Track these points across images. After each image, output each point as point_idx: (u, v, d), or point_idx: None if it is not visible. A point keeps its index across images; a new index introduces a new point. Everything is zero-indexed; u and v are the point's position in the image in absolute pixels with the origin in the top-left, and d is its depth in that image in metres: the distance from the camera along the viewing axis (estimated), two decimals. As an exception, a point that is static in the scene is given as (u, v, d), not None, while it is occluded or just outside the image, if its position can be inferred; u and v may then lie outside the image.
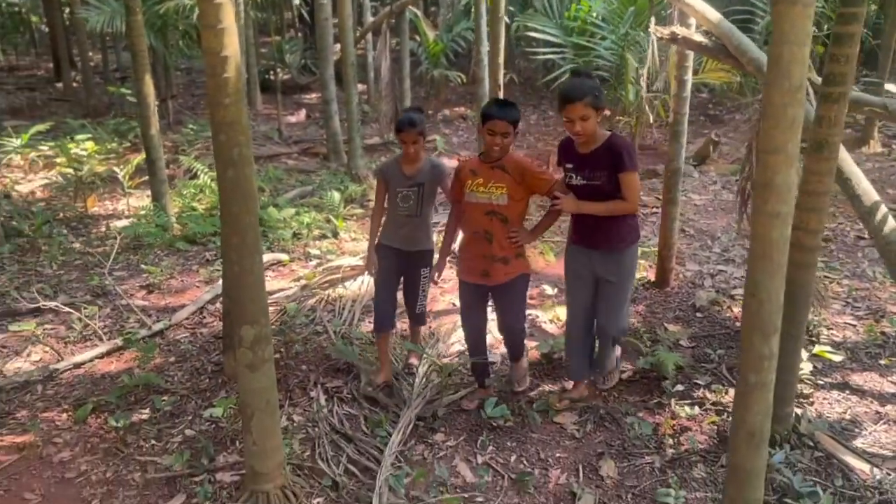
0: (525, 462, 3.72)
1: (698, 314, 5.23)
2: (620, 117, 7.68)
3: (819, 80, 3.48)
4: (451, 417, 4.07)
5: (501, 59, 5.76)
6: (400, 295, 4.45)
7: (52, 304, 5.20)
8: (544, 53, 9.03)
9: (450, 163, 4.22)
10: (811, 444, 3.67)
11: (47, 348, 4.80)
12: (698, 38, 4.64)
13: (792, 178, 2.41)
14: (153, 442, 3.85)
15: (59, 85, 15.91)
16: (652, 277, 5.82)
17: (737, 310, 5.18)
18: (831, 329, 4.93)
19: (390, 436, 3.77)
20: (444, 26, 12.69)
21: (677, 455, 3.72)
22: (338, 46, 10.15)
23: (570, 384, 4.27)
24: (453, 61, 12.91)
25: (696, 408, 4.02)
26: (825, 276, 5.77)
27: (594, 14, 8.58)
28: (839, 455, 3.62)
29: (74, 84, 15.25)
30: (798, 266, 3.48)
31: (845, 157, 3.95)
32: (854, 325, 5.02)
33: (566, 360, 4.21)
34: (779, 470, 3.43)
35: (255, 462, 3.29)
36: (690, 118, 11.76)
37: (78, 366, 4.59)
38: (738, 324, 4.89)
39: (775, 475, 3.42)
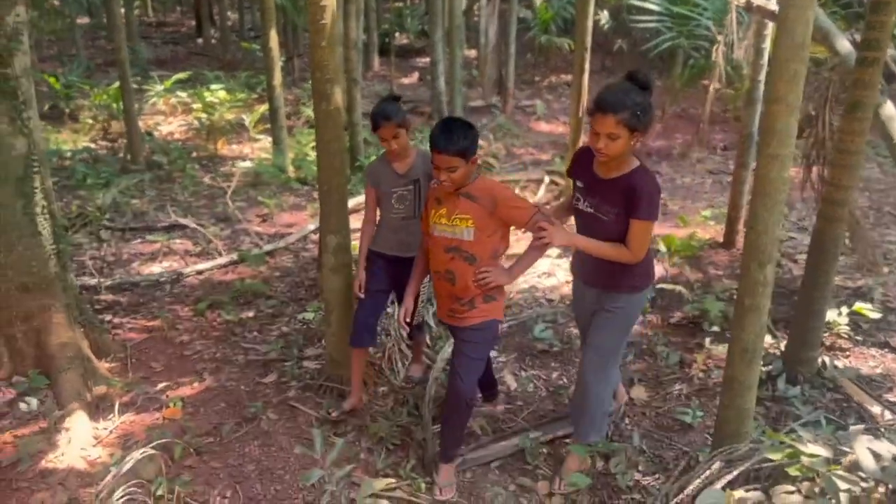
0: (565, 379, 4.22)
1: (758, 273, 5.47)
2: (717, 86, 7.80)
3: None
4: (506, 339, 4.61)
5: (590, 24, 6.11)
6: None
7: (184, 220, 6.12)
8: (646, 22, 9.19)
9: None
10: (832, 386, 3.96)
11: (176, 257, 5.71)
12: (773, 6, 4.85)
13: (792, 126, 2.75)
14: (255, 334, 4.63)
15: (200, 40, 17.33)
16: (720, 239, 6.09)
17: (797, 272, 5.39)
18: (888, 294, 5.08)
19: (450, 348, 4.36)
20: (556, -7, 12.95)
21: (704, 386, 4.11)
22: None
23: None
24: (563, 28, 13.15)
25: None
26: (898, 248, 5.85)
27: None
28: (858, 399, 3.90)
29: (213, 40, 16.59)
30: (829, 219, 3.77)
31: (893, 117, 4.13)
32: (914, 294, 5.14)
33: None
34: (792, 403, 3.77)
35: (334, 350, 3.98)
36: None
37: (199, 273, 5.47)
38: (794, 285, 5.12)
39: (791, 408, 3.77)
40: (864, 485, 2.06)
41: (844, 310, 4.46)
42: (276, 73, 7.78)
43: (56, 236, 4.00)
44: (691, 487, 2.64)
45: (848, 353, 4.39)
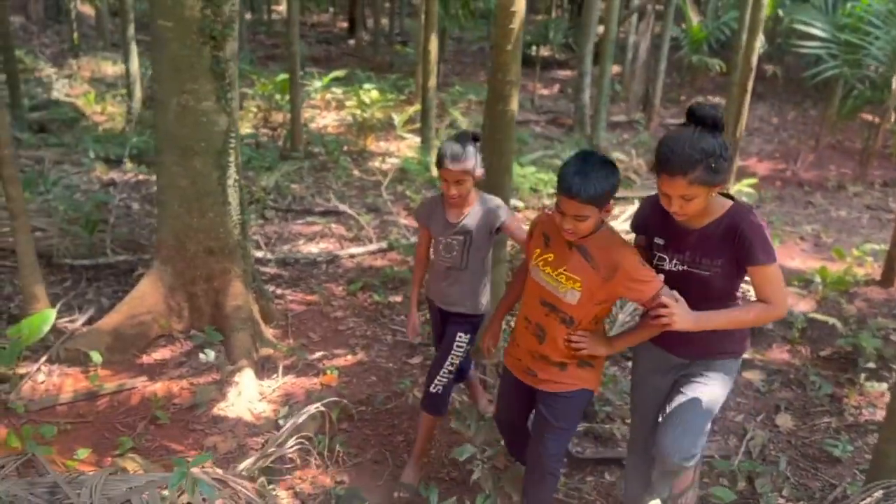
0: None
1: (918, 316, 5.21)
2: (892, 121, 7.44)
3: None
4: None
5: (757, 44, 6.02)
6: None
7: (343, 207, 6.52)
8: (811, 48, 8.88)
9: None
10: None
11: (332, 240, 6.10)
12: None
13: None
14: (402, 317, 4.88)
15: (351, 42, 18.16)
16: (877, 276, 5.82)
17: (963, 318, 5.08)
18: None
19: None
20: (712, 13, 12.69)
21: (855, 422, 3.98)
22: (601, 28, 10.73)
23: None
24: (715, 49, 12.87)
25: (885, 385, 4.19)
26: None
27: (870, 12, 8.29)
28: None
29: (363, 42, 17.36)
30: None
31: None
32: None
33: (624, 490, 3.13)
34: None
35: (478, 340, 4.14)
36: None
37: (352, 256, 5.81)
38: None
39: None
40: None
41: None
42: (433, 76, 8.10)
43: (242, 207, 4.39)
44: (849, 513, 2.61)
45: None
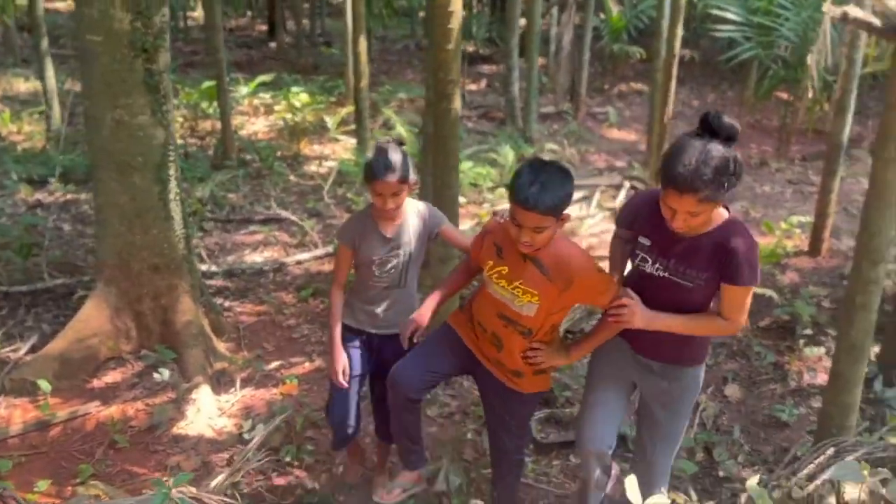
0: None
1: (845, 282, 5.50)
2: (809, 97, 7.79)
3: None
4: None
5: (679, 32, 6.24)
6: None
7: (285, 214, 6.45)
8: (725, 31, 9.24)
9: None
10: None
11: (276, 247, 6.02)
12: (870, 18, 4.90)
13: (910, 131, 2.87)
14: (357, 321, 4.87)
15: (273, 45, 17.89)
16: (805, 247, 6.13)
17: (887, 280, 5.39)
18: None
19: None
20: (629, 2, 13.03)
21: (798, 387, 4.20)
22: (523, 20, 10.89)
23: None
24: (634, 38, 13.22)
25: (822, 349, 4.43)
26: None
27: (780, -6, 8.70)
28: (957, 405, 3.94)
29: (285, 45, 17.13)
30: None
31: None
32: None
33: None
34: (889, 405, 3.85)
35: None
36: None
37: (299, 263, 5.76)
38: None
39: (888, 410, 3.85)
40: None
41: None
42: (364, 77, 8.08)
43: (185, 221, 4.30)
44: (805, 472, 2.76)
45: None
